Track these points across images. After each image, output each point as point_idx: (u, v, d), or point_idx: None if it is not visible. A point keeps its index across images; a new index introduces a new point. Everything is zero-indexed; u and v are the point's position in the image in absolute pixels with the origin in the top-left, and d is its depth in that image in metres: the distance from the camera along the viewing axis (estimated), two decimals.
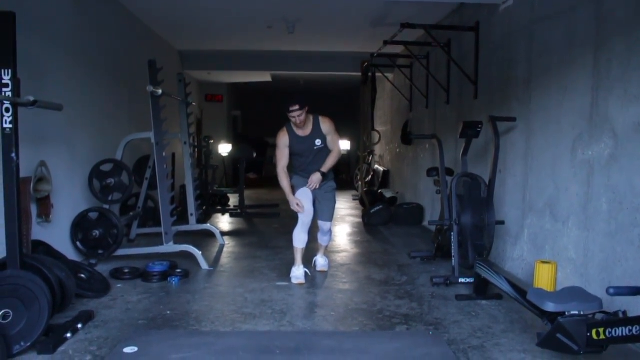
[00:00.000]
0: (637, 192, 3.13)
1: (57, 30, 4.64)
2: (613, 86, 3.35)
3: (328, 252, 5.55)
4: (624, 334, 2.46)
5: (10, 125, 2.98)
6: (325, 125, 4.36)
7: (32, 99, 3.04)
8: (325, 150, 4.42)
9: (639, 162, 3.12)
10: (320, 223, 4.59)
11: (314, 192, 4.43)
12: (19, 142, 3.03)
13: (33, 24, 4.10)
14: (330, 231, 4.68)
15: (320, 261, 4.81)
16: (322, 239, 4.75)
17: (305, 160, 4.40)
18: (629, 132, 3.19)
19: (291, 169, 4.47)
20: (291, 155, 4.38)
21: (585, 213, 3.63)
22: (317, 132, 4.34)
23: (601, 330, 2.46)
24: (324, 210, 4.54)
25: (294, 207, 4.32)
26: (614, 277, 3.32)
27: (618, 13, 3.32)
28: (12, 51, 2.99)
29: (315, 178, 4.36)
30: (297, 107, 4.15)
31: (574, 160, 3.77)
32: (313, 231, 4.53)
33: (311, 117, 4.34)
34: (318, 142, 4.33)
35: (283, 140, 4.34)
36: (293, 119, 4.21)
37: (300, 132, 4.33)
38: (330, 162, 4.43)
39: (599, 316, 2.57)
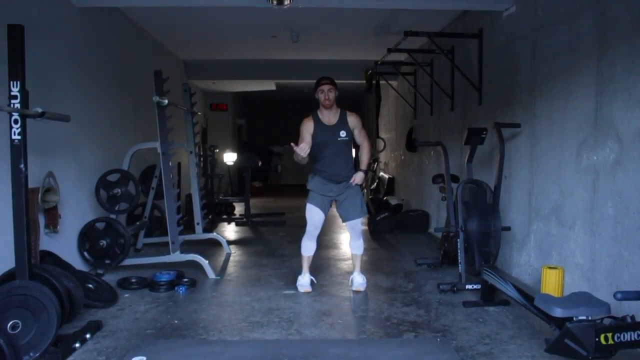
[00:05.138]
0: None
1: (64, 42, 4.69)
2: (617, 91, 3.36)
3: (335, 260, 5.57)
4: (633, 339, 2.45)
5: (19, 137, 3.01)
6: (353, 119, 4.29)
7: (40, 110, 3.07)
8: (349, 146, 4.32)
9: None
10: (349, 225, 4.34)
11: (335, 197, 4.28)
12: (27, 152, 3.06)
13: (41, 36, 4.15)
14: (362, 234, 4.41)
15: (357, 279, 4.40)
16: (353, 246, 4.43)
17: (326, 152, 4.20)
18: (634, 137, 3.19)
19: (310, 169, 4.37)
20: (313, 146, 4.21)
21: (592, 218, 3.62)
22: (343, 123, 4.25)
23: (609, 335, 2.45)
24: (349, 208, 4.26)
25: (300, 151, 4.02)
26: (621, 281, 3.31)
27: (621, 18, 3.33)
28: (21, 63, 3.02)
29: (358, 176, 4.27)
30: (328, 80, 4.19)
31: (579, 165, 3.77)
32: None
33: (339, 109, 4.29)
34: (342, 133, 4.21)
35: (307, 127, 4.23)
36: (322, 94, 4.18)
37: (325, 120, 4.24)
38: (366, 159, 4.39)
39: (607, 321, 2.56)
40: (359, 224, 4.37)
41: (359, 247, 4.44)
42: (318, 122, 4.25)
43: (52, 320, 2.93)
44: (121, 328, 3.48)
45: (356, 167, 4.42)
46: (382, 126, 10.88)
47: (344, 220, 4.38)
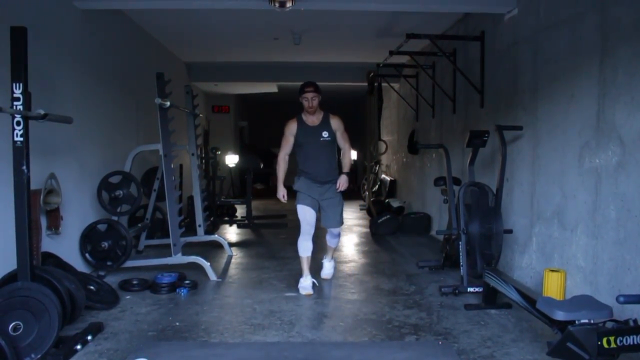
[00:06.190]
0: None
1: (67, 44, 4.70)
2: (619, 94, 3.35)
3: (336, 262, 5.55)
4: (636, 342, 2.44)
5: (22, 139, 3.01)
6: (335, 121, 4.43)
7: (42, 112, 3.07)
8: (332, 146, 4.44)
9: None
10: (329, 229, 4.62)
11: (319, 199, 4.41)
12: (30, 154, 3.06)
13: (43, 38, 4.16)
14: (339, 235, 4.70)
15: (327, 266, 4.84)
16: (330, 241, 4.76)
17: (310, 153, 4.38)
18: (636, 140, 3.19)
19: (296, 170, 4.50)
20: (297, 147, 4.42)
21: (594, 221, 3.61)
22: (325, 124, 4.40)
23: (612, 338, 2.45)
24: (329, 216, 4.50)
25: (280, 197, 4.46)
26: (623, 285, 3.30)
27: (623, 20, 3.33)
28: (24, 65, 3.02)
29: (343, 180, 4.40)
30: (312, 88, 4.32)
31: (581, 168, 3.76)
32: (321, 241, 4.52)
33: (322, 112, 4.44)
34: (325, 134, 4.36)
35: (291, 128, 4.42)
36: (306, 102, 4.32)
37: (309, 122, 4.39)
38: (347, 162, 4.52)
39: (609, 325, 2.55)
40: (338, 230, 4.62)
41: (334, 242, 4.77)
42: (301, 124, 4.40)
43: (54, 322, 2.93)
44: (122, 330, 3.48)
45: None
46: (384, 128, 10.88)
47: (325, 225, 4.58)
